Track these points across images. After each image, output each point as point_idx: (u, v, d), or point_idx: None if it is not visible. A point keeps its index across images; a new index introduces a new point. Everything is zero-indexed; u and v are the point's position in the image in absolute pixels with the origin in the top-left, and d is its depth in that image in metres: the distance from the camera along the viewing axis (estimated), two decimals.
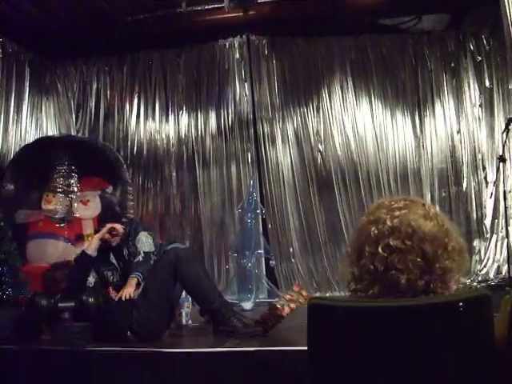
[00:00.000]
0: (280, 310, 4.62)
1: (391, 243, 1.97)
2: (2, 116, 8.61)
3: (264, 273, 8.35)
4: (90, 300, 5.06)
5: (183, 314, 5.82)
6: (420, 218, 2.01)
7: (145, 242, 5.70)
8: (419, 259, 1.94)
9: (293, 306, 4.63)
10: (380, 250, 1.98)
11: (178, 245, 5.90)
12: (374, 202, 2.19)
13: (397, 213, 2.02)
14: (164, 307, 5.16)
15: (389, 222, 2.00)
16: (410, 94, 9.09)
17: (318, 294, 8.21)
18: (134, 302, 5.13)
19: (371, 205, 2.23)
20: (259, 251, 8.00)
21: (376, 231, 2.02)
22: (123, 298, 5.16)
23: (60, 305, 5.13)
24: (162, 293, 5.15)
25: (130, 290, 5.27)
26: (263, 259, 8.34)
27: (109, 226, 5.60)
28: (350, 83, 9.18)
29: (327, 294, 8.29)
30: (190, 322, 5.85)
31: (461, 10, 8.88)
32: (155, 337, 5.06)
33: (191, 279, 5.14)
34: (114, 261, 5.88)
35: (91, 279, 5.86)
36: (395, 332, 1.80)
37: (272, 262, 8.32)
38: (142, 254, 5.62)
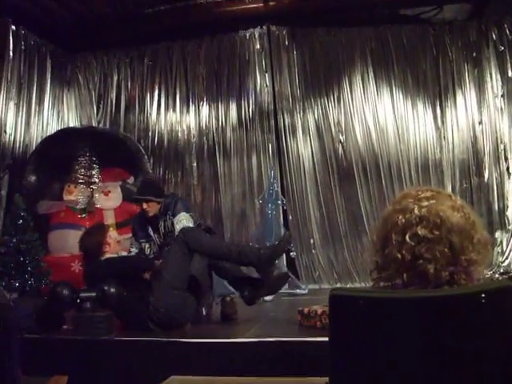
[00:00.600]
0: None
1: (419, 232, 1.96)
2: (25, 108, 8.66)
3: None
4: (112, 290, 5.09)
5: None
6: (448, 209, 2.00)
7: (186, 225, 5.75)
8: (446, 249, 1.94)
9: None
10: (407, 238, 1.97)
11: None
12: (400, 192, 2.18)
13: (425, 203, 2.01)
14: (181, 289, 5.18)
15: (417, 211, 1.99)
16: (432, 85, 9.03)
17: (338, 285, 8.22)
18: (151, 289, 5.18)
19: (397, 194, 2.23)
20: None
21: (403, 220, 2.01)
22: None
23: (82, 295, 5.17)
24: (177, 274, 5.21)
25: None
26: None
27: None
28: (371, 74, 9.14)
29: (348, 285, 8.28)
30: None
31: (482, 0, 8.81)
32: (177, 324, 5.10)
33: (207, 245, 5.28)
34: (151, 233, 6.03)
35: (134, 249, 6.00)
36: (416, 323, 1.79)
37: (293, 253, 8.33)
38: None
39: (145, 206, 6.02)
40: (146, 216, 6.05)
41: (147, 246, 6.10)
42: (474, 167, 8.79)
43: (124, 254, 5.80)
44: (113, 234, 7.12)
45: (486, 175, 8.73)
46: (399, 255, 1.98)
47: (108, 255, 5.61)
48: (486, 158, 8.77)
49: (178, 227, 5.79)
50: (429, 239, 1.95)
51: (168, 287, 5.13)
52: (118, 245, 5.80)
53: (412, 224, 1.99)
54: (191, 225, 5.83)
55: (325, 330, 4.33)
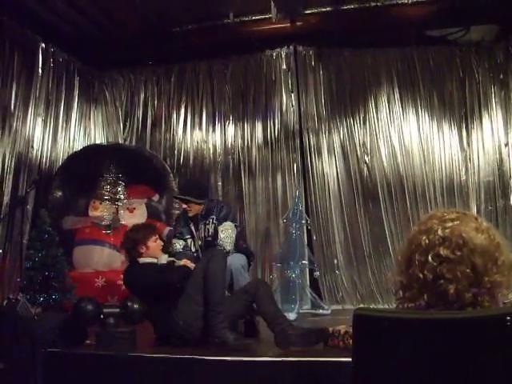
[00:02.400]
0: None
1: (441, 252, 1.96)
2: (52, 124, 8.76)
3: (308, 284, 8.34)
4: (135, 306, 5.10)
5: None
6: (472, 231, 1.99)
7: (229, 236, 5.83)
8: (468, 270, 1.93)
9: None
10: (430, 258, 1.97)
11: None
12: (425, 214, 2.18)
13: (449, 224, 2.01)
14: (201, 303, 5.15)
15: (440, 232, 1.99)
16: (457, 106, 9.00)
17: (361, 306, 8.18)
18: (174, 306, 5.17)
19: (421, 216, 2.23)
20: (303, 262, 7.99)
21: (427, 241, 2.01)
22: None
23: (105, 310, 5.19)
24: (199, 288, 5.18)
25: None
26: (307, 270, 8.33)
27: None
28: (397, 95, 9.13)
29: (371, 306, 8.23)
30: None
31: (510, 21, 8.78)
32: (195, 338, 5.09)
33: (212, 276, 5.16)
34: (193, 230, 6.05)
35: (179, 246, 6.00)
36: (440, 344, 1.79)
37: (316, 273, 8.31)
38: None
39: (184, 205, 6.07)
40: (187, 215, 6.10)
41: (190, 241, 6.10)
42: (500, 190, 8.72)
43: (164, 258, 5.75)
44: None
45: None
46: (421, 275, 1.98)
47: (145, 257, 5.57)
48: None
49: (222, 236, 5.84)
50: (450, 259, 1.95)
51: (189, 301, 5.15)
52: (157, 249, 5.70)
53: (435, 244, 1.99)
54: (234, 236, 5.87)
55: (347, 350, 4.31)
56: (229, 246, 5.85)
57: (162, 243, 5.79)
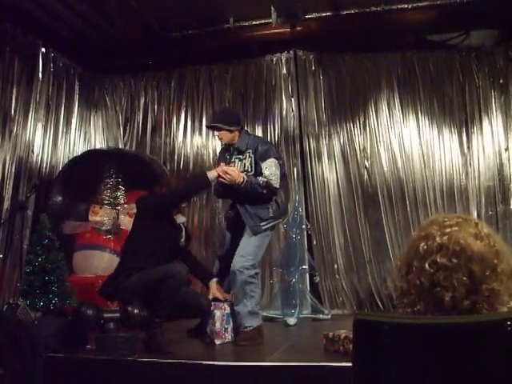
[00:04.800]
0: None
1: (438, 260, 1.94)
2: (52, 129, 8.79)
3: (308, 288, 8.33)
4: (135, 311, 5.10)
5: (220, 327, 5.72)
6: (470, 237, 1.96)
7: (274, 173, 5.64)
8: (465, 278, 1.90)
9: None
10: (427, 265, 1.96)
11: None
12: (425, 218, 2.18)
13: (447, 230, 1.99)
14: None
15: (438, 239, 1.98)
16: (458, 111, 8.99)
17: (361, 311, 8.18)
18: None
19: (422, 221, 2.23)
20: (303, 267, 8.00)
21: (425, 247, 1.99)
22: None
23: (105, 315, 5.20)
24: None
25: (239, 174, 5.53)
26: (307, 275, 8.33)
27: (223, 169, 5.56)
28: (397, 100, 9.13)
29: (371, 311, 8.23)
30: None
31: (510, 26, 8.79)
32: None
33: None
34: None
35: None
36: (441, 349, 1.78)
37: (316, 278, 8.31)
38: (264, 180, 5.61)
39: (216, 133, 5.95)
40: (223, 148, 6.07)
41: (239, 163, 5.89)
42: (500, 194, 8.72)
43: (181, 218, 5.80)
44: None
45: None
46: (418, 282, 1.97)
47: None
48: None
49: (267, 173, 5.63)
50: (447, 267, 1.92)
51: None
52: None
53: (432, 251, 1.97)
54: (279, 173, 5.69)
55: (347, 354, 4.32)
56: (275, 183, 5.66)
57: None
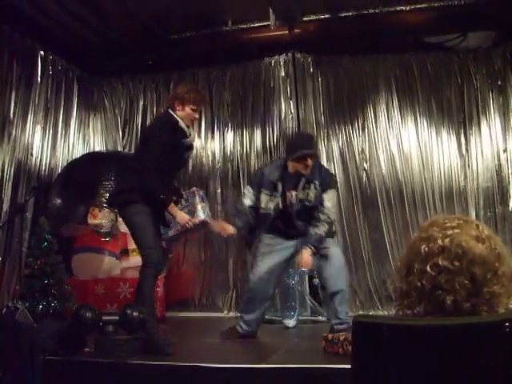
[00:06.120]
0: None
1: (440, 263, 1.93)
2: (51, 131, 8.78)
3: (307, 290, 8.32)
4: (134, 314, 5.10)
5: None
6: (472, 240, 1.96)
7: (335, 205, 5.63)
8: (467, 281, 1.90)
9: None
10: (428, 268, 1.94)
11: None
12: (424, 220, 2.17)
13: (449, 232, 1.98)
14: None
15: (440, 241, 1.96)
16: (456, 113, 8.99)
17: (361, 313, 8.18)
18: None
19: (420, 222, 2.22)
20: (303, 269, 7.99)
21: (426, 249, 1.98)
22: None
23: (104, 318, 5.19)
24: None
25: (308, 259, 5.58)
26: (307, 277, 8.31)
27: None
28: (395, 101, 9.13)
29: (370, 313, 8.23)
30: None
31: (507, 27, 8.79)
32: None
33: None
34: (279, 190, 5.81)
35: (247, 200, 6.03)
36: (440, 351, 1.78)
37: (315, 280, 8.30)
38: (327, 227, 5.52)
39: (310, 161, 5.57)
40: (288, 172, 5.73)
41: (266, 198, 5.76)
42: (499, 196, 8.71)
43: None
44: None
45: (511, 204, 8.67)
46: (419, 284, 1.96)
47: None
48: (511, 187, 8.71)
49: (329, 205, 5.57)
50: (449, 270, 1.92)
51: None
52: None
53: (434, 254, 1.96)
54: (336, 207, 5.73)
55: (346, 356, 4.32)
56: (333, 215, 5.66)
57: None
